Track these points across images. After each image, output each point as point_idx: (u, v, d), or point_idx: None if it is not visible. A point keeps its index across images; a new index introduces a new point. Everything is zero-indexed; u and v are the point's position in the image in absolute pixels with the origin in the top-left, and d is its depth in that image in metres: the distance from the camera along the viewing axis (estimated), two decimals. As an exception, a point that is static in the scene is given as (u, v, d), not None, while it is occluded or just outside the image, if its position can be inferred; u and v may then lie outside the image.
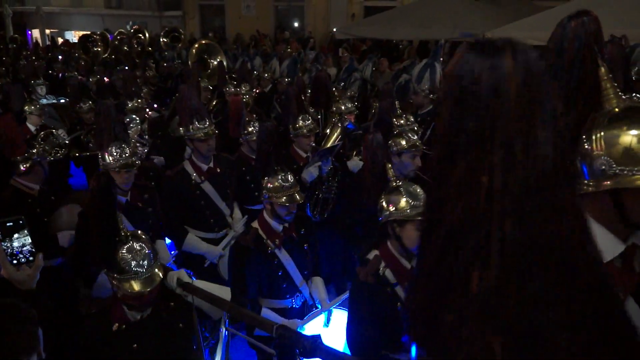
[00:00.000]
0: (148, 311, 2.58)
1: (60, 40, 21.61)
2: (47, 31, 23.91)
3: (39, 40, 21.06)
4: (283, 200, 3.28)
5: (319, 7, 19.85)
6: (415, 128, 5.00)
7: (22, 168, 4.04)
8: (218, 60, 10.43)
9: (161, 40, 15.90)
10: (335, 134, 5.09)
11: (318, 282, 3.65)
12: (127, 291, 2.44)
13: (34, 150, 4.14)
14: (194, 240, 4.30)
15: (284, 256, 3.41)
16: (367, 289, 2.71)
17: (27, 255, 1.94)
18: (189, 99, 4.47)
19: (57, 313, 3.89)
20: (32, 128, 6.51)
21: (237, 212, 4.62)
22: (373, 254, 2.81)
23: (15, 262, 1.91)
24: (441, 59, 9.81)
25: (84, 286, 3.56)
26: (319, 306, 3.47)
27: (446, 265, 0.92)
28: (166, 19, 21.57)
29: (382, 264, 2.74)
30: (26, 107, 6.78)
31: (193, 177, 4.29)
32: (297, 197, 3.36)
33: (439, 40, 11.37)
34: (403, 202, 2.71)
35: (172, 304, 2.69)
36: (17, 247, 1.93)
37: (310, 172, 4.45)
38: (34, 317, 1.67)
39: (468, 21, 11.77)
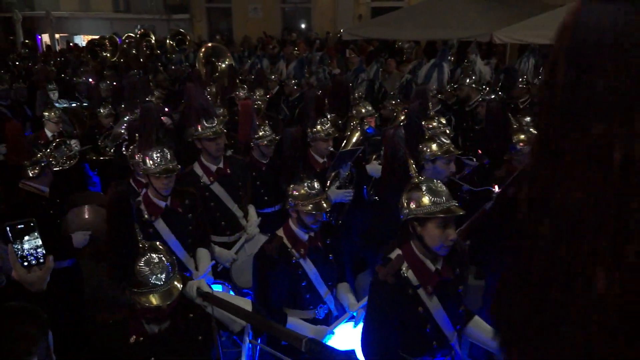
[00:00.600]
0: (166, 323, 2.51)
1: (70, 44, 21.76)
2: (57, 36, 24.12)
3: (50, 45, 21.21)
4: (309, 208, 3.21)
5: (326, 9, 19.86)
6: (447, 131, 4.80)
7: (30, 173, 4.10)
8: (227, 63, 10.26)
9: (168, 42, 15.99)
10: (355, 138, 4.95)
11: (345, 287, 3.57)
12: (144, 305, 2.36)
13: (39, 155, 4.20)
14: None
15: (308, 266, 3.33)
16: (386, 289, 2.62)
17: (38, 257, 1.96)
18: (197, 98, 4.33)
19: (64, 314, 3.95)
20: (49, 134, 6.48)
21: (253, 214, 4.50)
22: (395, 253, 2.71)
23: (26, 264, 1.94)
24: (450, 58, 9.77)
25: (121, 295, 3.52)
26: (348, 311, 3.39)
27: (558, 261, 0.78)
28: (174, 22, 21.68)
29: (405, 265, 2.65)
30: (45, 113, 6.71)
31: (202, 179, 4.18)
32: (324, 204, 3.27)
33: (448, 41, 11.35)
34: (424, 199, 2.60)
35: (191, 315, 2.60)
36: (27, 249, 1.95)
37: (338, 195, 4.34)
38: (43, 319, 1.69)
39: (476, 21, 11.73)
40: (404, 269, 2.64)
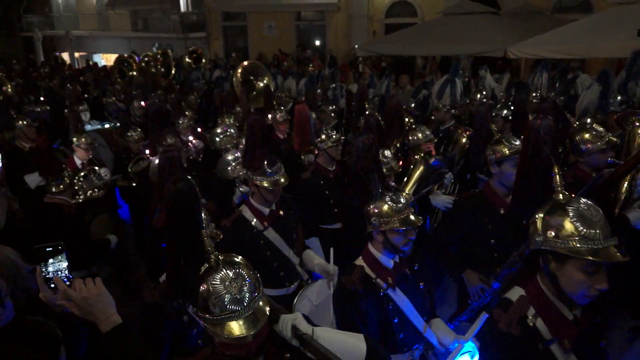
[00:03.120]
0: None
1: (90, 63, 22.16)
2: (76, 54, 24.65)
3: (70, 63, 21.63)
4: (397, 224, 2.69)
5: (340, 26, 20.11)
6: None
7: (55, 188, 4.20)
8: (265, 82, 9.49)
9: (185, 60, 16.23)
10: (417, 174, 4.27)
11: (439, 323, 2.98)
12: (224, 337, 1.81)
13: (64, 172, 4.31)
14: None
15: (400, 298, 2.76)
16: (510, 343, 1.97)
17: (63, 280, 1.98)
18: (261, 135, 3.68)
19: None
20: (78, 162, 5.97)
21: (315, 257, 3.78)
22: (516, 293, 2.07)
23: (52, 285, 1.97)
24: (464, 77, 9.82)
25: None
26: (456, 345, 2.83)
27: None
28: (191, 40, 22.08)
29: (532, 311, 1.99)
30: (74, 139, 6.15)
31: (254, 224, 3.59)
32: (413, 218, 2.73)
33: (460, 56, 11.43)
34: (570, 227, 1.87)
35: (288, 355, 2.02)
36: (52, 272, 1.97)
37: (439, 201, 3.93)
38: (55, 334, 1.79)
39: (489, 36, 11.82)
40: (530, 316, 1.98)
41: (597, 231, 1.84)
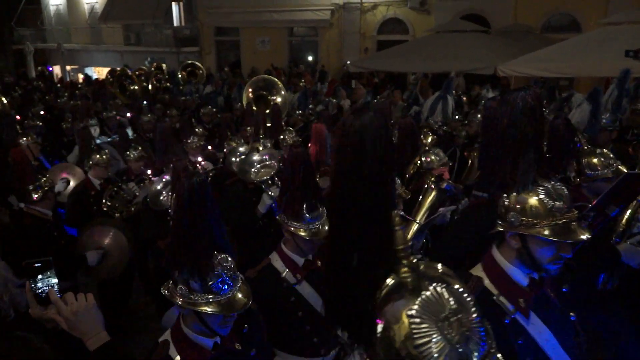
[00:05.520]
0: None
1: (80, 76, 22.13)
2: (68, 67, 24.62)
3: (62, 76, 21.57)
4: (546, 232, 1.85)
5: (332, 42, 20.28)
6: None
7: (34, 196, 4.17)
8: (278, 99, 8.41)
9: (179, 73, 16.24)
10: (429, 200, 3.71)
11: None
12: None
13: (43, 180, 4.26)
14: None
15: (536, 328, 1.93)
16: None
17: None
18: (302, 174, 2.86)
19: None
20: (96, 182, 5.28)
21: None
22: None
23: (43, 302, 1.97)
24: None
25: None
26: None
27: None
28: (183, 54, 22.13)
29: None
30: (92, 157, 5.47)
31: (284, 276, 2.91)
32: (580, 232, 1.86)
33: (451, 73, 11.56)
34: None
35: None
36: (40, 287, 1.96)
37: None
38: (44, 351, 1.78)
39: (480, 54, 11.96)
40: None
41: None
